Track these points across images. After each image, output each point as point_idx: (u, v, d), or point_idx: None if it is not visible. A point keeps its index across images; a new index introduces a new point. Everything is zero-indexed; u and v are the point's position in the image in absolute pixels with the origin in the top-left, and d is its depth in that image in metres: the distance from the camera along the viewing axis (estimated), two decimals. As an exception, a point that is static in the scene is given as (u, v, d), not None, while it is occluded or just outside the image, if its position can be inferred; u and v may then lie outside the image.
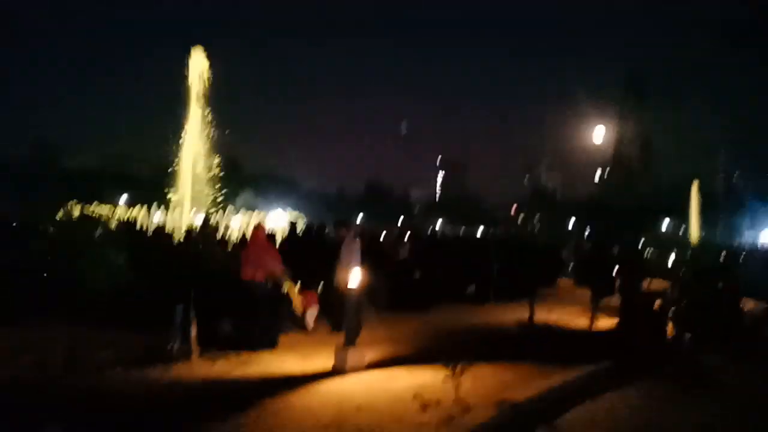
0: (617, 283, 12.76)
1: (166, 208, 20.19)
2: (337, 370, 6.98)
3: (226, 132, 20.33)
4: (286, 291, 7.89)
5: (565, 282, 18.33)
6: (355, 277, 7.16)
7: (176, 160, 21.07)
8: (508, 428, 5.45)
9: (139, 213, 20.88)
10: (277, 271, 7.93)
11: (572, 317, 11.71)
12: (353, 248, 9.29)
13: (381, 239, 15.41)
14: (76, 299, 9.83)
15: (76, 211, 14.36)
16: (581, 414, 5.91)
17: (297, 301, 7.89)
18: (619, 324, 9.09)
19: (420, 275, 12.80)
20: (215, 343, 7.98)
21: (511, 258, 14.61)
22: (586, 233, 46.03)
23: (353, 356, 7.02)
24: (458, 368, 6.05)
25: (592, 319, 10.67)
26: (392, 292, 11.57)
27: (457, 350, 6.96)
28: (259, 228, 8.69)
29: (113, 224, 12.38)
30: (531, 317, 10.89)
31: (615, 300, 11.13)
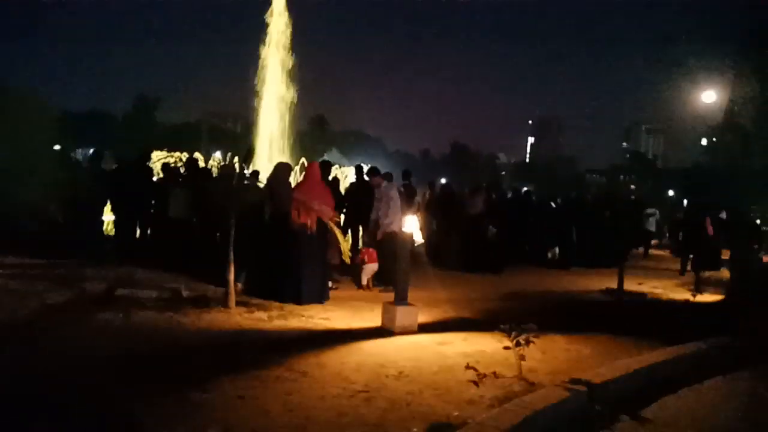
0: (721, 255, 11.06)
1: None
2: (384, 330, 6.13)
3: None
4: (335, 238, 7.09)
5: (656, 252, 16.50)
6: (408, 224, 6.21)
7: (257, 111, 20.82)
8: (580, 414, 4.37)
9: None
10: (326, 215, 7.12)
11: (667, 290, 10.20)
12: (392, 196, 8.40)
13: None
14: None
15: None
16: (677, 404, 4.71)
17: (346, 249, 7.10)
18: (729, 298, 7.58)
19: (495, 233, 11.62)
20: (258, 292, 7.39)
21: (598, 221, 13.08)
22: (685, 202, 42.22)
23: (403, 315, 6.12)
24: (524, 336, 4.96)
25: (696, 290, 9.13)
26: (461, 249, 10.55)
27: (527, 317, 5.90)
28: (313, 165, 7.87)
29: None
30: (619, 286, 9.48)
31: (719, 274, 9.52)
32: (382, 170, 9.62)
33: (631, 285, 9.72)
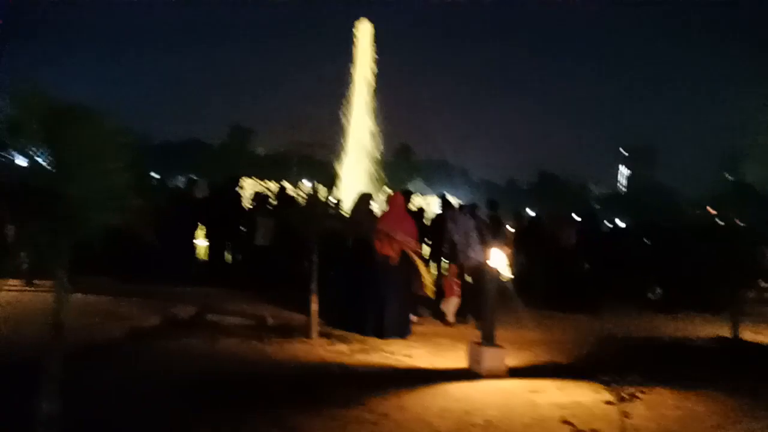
0: None
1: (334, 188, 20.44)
2: (470, 372, 5.77)
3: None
4: (419, 271, 6.85)
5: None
6: (495, 258, 5.86)
7: (343, 140, 21.24)
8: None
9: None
10: (410, 247, 6.90)
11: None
12: (469, 226, 8.28)
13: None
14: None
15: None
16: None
17: (429, 283, 6.83)
18: None
19: (590, 268, 10.91)
20: (340, 323, 7.24)
21: (704, 258, 11.95)
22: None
23: (490, 357, 5.73)
24: (628, 390, 4.45)
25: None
26: (551, 285, 9.96)
27: (629, 367, 5.33)
28: (396, 195, 7.71)
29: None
30: (734, 335, 8.52)
31: None
32: (466, 200, 9.37)
33: (746, 333, 8.73)
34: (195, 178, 11.58)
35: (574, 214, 14.73)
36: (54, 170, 2.47)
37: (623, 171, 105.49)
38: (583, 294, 10.10)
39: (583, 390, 5.22)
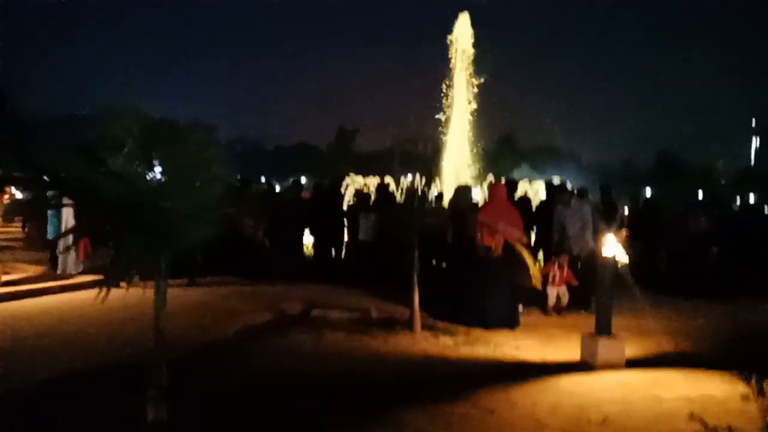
0: None
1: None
2: (584, 364, 5.42)
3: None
4: (525, 262, 6.55)
5: None
6: (609, 244, 5.45)
7: (444, 133, 21.04)
8: None
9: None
10: (513, 237, 6.62)
11: None
12: (584, 212, 7.98)
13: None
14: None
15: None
16: None
17: (536, 273, 6.51)
18: None
19: (719, 253, 9.92)
20: (445, 315, 7.12)
21: None
22: None
23: (607, 348, 5.35)
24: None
25: None
26: (677, 272, 9.18)
27: (765, 359, 4.76)
28: (498, 185, 7.44)
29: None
30: None
31: None
32: (576, 184, 8.86)
33: None
34: (301, 180, 11.98)
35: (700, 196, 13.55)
36: (150, 186, 2.56)
37: (756, 144, 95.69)
38: (712, 280, 9.21)
39: (715, 382, 4.71)
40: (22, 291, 7.68)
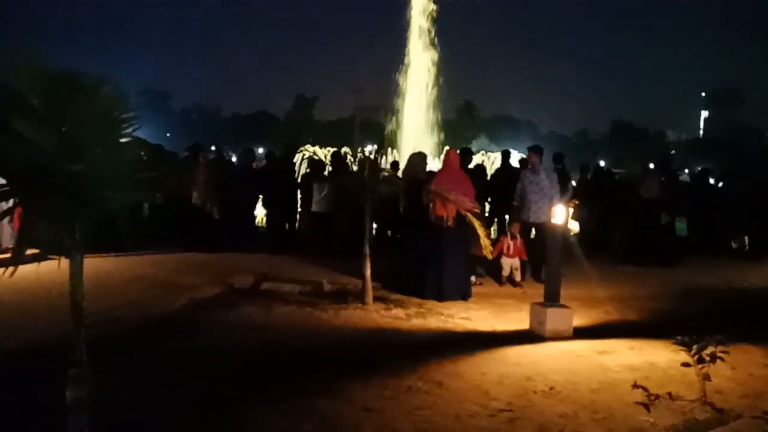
0: None
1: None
2: (533, 334, 5.46)
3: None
4: (476, 232, 6.51)
5: None
6: (558, 213, 5.45)
7: (402, 102, 20.76)
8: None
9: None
10: (465, 206, 6.56)
11: None
12: (543, 178, 7.91)
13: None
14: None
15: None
16: None
17: (487, 243, 6.49)
18: None
19: (669, 221, 10.15)
20: (397, 287, 7.07)
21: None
22: None
23: (555, 317, 5.39)
24: (708, 350, 4.02)
25: None
26: (627, 239, 9.35)
27: (709, 322, 4.87)
28: (450, 153, 7.33)
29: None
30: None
31: None
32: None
33: None
34: (253, 149, 11.62)
35: (651, 164, 13.80)
36: (58, 149, 2.31)
37: (705, 115, 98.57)
38: (660, 247, 9.43)
39: (658, 350, 4.80)
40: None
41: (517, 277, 7.93)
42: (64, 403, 2.59)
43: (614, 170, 17.65)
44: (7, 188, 2.42)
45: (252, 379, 4.14)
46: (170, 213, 9.51)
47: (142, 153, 2.63)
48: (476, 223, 6.40)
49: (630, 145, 63.30)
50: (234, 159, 14.33)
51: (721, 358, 3.90)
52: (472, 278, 7.44)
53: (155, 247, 8.92)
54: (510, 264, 7.88)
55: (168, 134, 54.18)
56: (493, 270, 8.02)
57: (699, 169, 14.54)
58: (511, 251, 7.87)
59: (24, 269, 2.60)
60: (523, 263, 7.98)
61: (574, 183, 10.85)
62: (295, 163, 11.24)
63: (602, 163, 32.82)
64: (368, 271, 6.38)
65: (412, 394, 3.97)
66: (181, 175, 8.97)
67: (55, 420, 2.67)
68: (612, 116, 69.10)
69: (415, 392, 3.99)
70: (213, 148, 11.44)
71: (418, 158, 7.89)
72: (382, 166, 7.18)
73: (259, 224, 11.00)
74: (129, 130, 2.45)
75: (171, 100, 73.89)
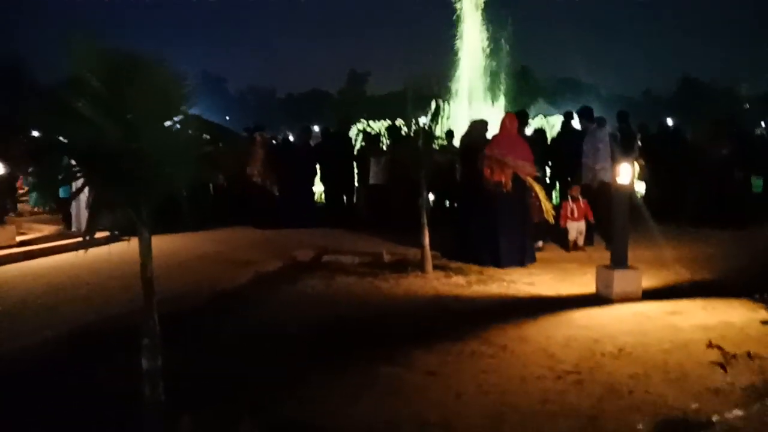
0: None
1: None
2: (599, 297, 5.31)
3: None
4: (537, 197, 6.34)
5: None
6: (624, 173, 5.23)
7: (455, 70, 20.38)
8: None
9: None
10: (524, 171, 6.39)
11: None
12: (600, 139, 7.68)
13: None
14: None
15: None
16: None
17: (549, 208, 6.31)
18: None
19: (742, 178, 9.57)
20: (457, 255, 7.02)
21: None
22: None
23: (622, 279, 5.22)
24: (789, 307, 3.81)
25: None
26: (696, 200, 8.91)
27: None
28: (507, 117, 7.13)
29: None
30: None
31: None
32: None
33: None
34: (310, 127, 11.78)
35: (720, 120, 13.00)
36: (122, 130, 2.38)
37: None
38: (734, 208, 8.91)
39: (733, 309, 4.59)
40: (36, 250, 7.71)
41: (580, 241, 7.71)
42: (140, 371, 2.72)
43: (681, 128, 16.80)
44: (78, 170, 2.52)
45: (316, 348, 4.24)
46: (231, 191, 9.79)
47: (202, 130, 2.68)
48: (537, 187, 6.24)
49: (699, 103, 59.89)
50: (291, 138, 14.54)
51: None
52: (539, 243, 7.29)
53: (218, 225, 9.22)
54: (576, 228, 7.65)
55: (227, 117, 55.54)
56: (557, 235, 7.83)
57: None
58: (575, 214, 7.64)
59: (97, 250, 2.73)
60: (588, 226, 7.73)
61: (639, 143, 10.38)
62: (351, 138, 11.27)
63: (669, 122, 31.23)
64: (426, 240, 6.36)
65: (476, 358, 3.96)
66: (240, 152, 9.17)
67: (132, 387, 2.81)
68: (681, 74, 65.25)
69: (479, 356, 3.97)
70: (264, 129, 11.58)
71: (478, 125, 7.72)
72: (437, 135, 7.07)
73: (318, 200, 11.14)
74: (187, 107, 2.50)
75: (227, 83, 75.38)
